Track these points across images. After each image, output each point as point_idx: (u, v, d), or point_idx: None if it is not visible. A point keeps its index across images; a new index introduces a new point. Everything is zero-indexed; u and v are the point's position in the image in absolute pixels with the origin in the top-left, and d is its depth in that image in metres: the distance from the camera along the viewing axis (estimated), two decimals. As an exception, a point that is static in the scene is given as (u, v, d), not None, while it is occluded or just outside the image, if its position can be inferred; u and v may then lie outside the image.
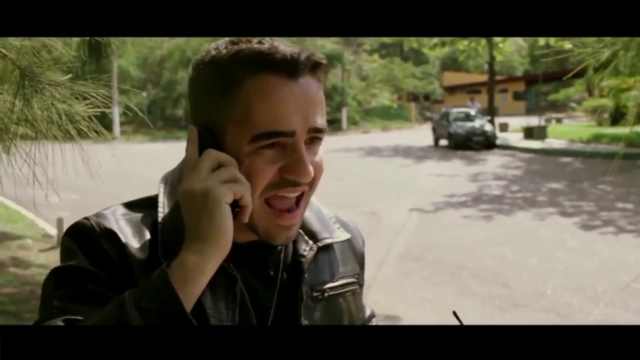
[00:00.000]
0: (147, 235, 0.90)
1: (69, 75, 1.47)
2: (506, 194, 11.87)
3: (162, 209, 0.93)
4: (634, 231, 8.19)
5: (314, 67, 0.88)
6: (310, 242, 1.00)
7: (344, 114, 36.48)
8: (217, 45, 0.89)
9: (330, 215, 1.08)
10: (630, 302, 5.31)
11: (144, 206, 0.95)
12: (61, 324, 0.79)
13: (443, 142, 23.76)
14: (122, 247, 0.88)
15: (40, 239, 8.10)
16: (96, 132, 1.51)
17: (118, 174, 14.52)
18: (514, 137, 24.50)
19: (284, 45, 0.86)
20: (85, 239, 0.88)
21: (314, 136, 0.88)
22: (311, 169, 0.86)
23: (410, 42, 21.28)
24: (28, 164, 1.51)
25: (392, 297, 5.75)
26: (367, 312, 1.21)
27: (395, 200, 11.18)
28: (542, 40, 12.40)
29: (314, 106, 0.87)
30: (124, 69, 32.03)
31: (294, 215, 0.90)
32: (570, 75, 1.37)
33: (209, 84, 0.88)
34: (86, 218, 0.91)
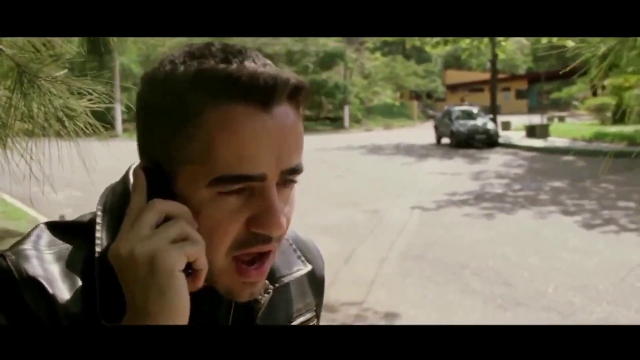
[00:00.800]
0: (79, 282, 0.72)
1: (65, 71, 1.47)
2: (508, 192, 11.86)
3: (100, 247, 0.73)
4: (636, 230, 8.18)
5: (293, 93, 0.70)
6: (267, 282, 0.81)
7: (346, 112, 36.49)
8: (173, 57, 0.72)
9: (290, 240, 0.91)
10: (632, 301, 5.30)
11: (75, 234, 0.76)
12: None
13: (445, 140, 23.76)
14: (49, 299, 0.69)
15: (42, 236, 8.12)
16: (93, 129, 1.50)
17: (120, 171, 14.58)
18: (516, 136, 24.50)
19: (257, 65, 0.69)
20: (5, 291, 0.69)
21: (288, 178, 0.71)
22: (284, 220, 0.70)
23: (413, 40, 21.34)
24: (26, 161, 1.51)
25: (393, 296, 5.75)
26: None
27: (396, 199, 11.17)
28: (544, 39, 12.41)
29: (289, 142, 0.70)
30: (126, 67, 32.07)
31: (262, 271, 0.74)
32: (568, 69, 1.37)
33: (160, 110, 0.70)
34: (1, 256, 0.71)
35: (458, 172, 15.18)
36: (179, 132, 0.68)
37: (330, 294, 5.70)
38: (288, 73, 0.69)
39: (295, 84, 0.69)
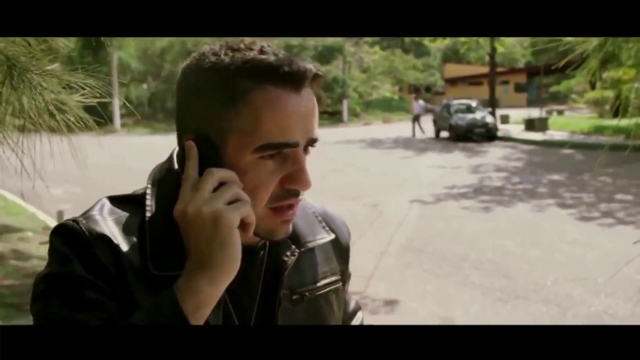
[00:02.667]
0: (135, 239, 0.88)
1: (56, 64, 1.46)
2: (507, 185, 11.87)
3: (150, 213, 0.90)
4: (633, 222, 8.19)
5: (314, 79, 0.89)
6: (293, 246, 0.98)
7: (345, 106, 36.43)
8: (214, 50, 0.88)
9: (316, 213, 1.08)
10: (631, 293, 5.31)
11: (130, 203, 0.92)
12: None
13: (444, 133, 23.74)
14: (115, 253, 0.85)
15: (41, 231, 8.11)
16: (86, 123, 1.50)
17: (119, 166, 14.52)
18: (515, 129, 24.48)
19: (288, 57, 0.86)
20: (78, 245, 0.85)
21: (310, 146, 0.90)
22: (311, 178, 0.88)
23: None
24: (17, 155, 1.50)
25: (394, 289, 5.76)
26: (352, 305, 1.22)
27: (396, 192, 11.18)
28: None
29: (313, 117, 0.89)
30: (124, 61, 31.97)
31: (293, 212, 0.90)
32: (562, 62, 1.37)
33: (210, 91, 0.86)
34: (74, 221, 0.88)
35: (457, 165, 15.18)
36: (230, 108, 0.84)
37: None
38: (310, 63, 0.88)
39: (316, 72, 0.88)
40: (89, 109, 1.53)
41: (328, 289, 1.04)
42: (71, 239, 0.86)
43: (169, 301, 0.78)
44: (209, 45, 0.90)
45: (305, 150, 0.89)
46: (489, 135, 21.87)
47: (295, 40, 33.76)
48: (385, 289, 5.75)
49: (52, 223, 8.33)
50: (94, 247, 0.85)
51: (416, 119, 25.84)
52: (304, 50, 35.02)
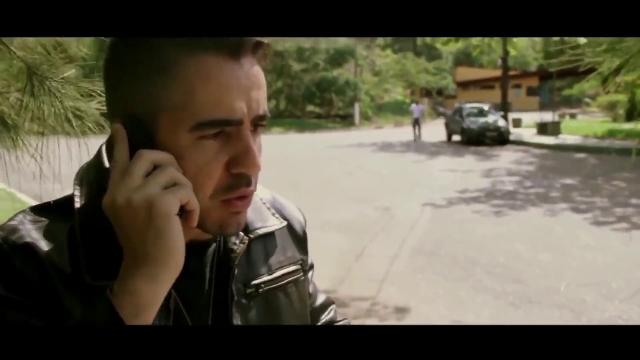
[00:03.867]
0: (65, 246, 0.77)
1: (72, 71, 1.48)
2: (519, 189, 11.81)
3: (81, 216, 0.79)
4: (649, 227, 8.13)
5: (256, 47, 0.77)
6: (242, 234, 0.89)
7: (357, 109, 36.43)
8: None
9: (264, 200, 0.99)
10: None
11: (54, 210, 0.82)
12: None
13: (456, 137, 23.68)
14: (39, 263, 0.74)
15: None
16: (102, 128, 1.52)
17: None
18: (528, 133, 24.37)
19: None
20: None
21: (258, 124, 0.78)
22: (260, 160, 0.77)
23: (424, 38, 21.25)
24: (35, 160, 1.53)
25: (405, 292, 5.75)
26: (320, 299, 1.12)
27: (408, 196, 11.16)
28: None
29: (259, 90, 0.77)
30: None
31: (245, 203, 0.80)
32: (577, 67, 1.37)
33: (136, 65, 0.75)
34: None
35: (469, 169, 15.13)
36: (158, 83, 0.74)
37: (342, 291, 5.71)
38: None
39: (257, 40, 0.77)
40: (94, 114, 1.56)
41: (286, 280, 0.95)
42: None
43: (103, 308, 0.68)
44: None
45: (256, 130, 0.78)
46: (501, 139, 21.80)
47: (307, 43, 33.81)
48: (397, 293, 5.74)
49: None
50: (14, 261, 0.74)
51: (416, 122, 24.95)
52: (315, 53, 35.06)
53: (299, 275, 0.98)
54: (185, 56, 0.73)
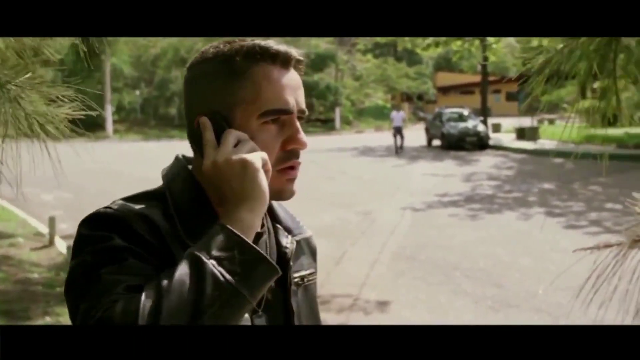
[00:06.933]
0: (162, 219, 0.99)
1: (29, 74, 1.46)
2: (499, 194, 11.91)
3: (173, 200, 1.03)
4: (620, 232, 8.22)
5: (298, 61, 1.06)
6: (289, 236, 1.15)
7: (338, 113, 36.50)
8: (213, 45, 1.05)
9: (293, 215, 1.23)
10: (623, 303, 5.32)
11: (144, 199, 1.02)
12: (124, 293, 0.83)
13: (436, 142, 23.81)
14: (153, 225, 0.96)
15: (32, 237, 8.06)
16: (73, 132, 1.50)
17: (110, 172, 14.46)
18: (507, 138, 24.58)
19: (276, 43, 1.03)
20: (114, 224, 0.94)
21: (300, 116, 1.05)
22: (305, 138, 1.03)
23: (404, 43, 21.31)
24: (1, 162, 1.50)
25: (386, 297, 5.76)
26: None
27: (388, 200, 11.19)
28: (534, 42, 12.42)
29: (301, 91, 1.05)
30: (117, 67, 31.90)
31: (296, 173, 1.05)
32: (524, 75, 1.38)
33: (215, 74, 1.02)
34: (106, 207, 0.98)
35: (449, 173, 15.22)
36: (233, 84, 1.01)
37: (322, 295, 5.70)
38: (294, 48, 1.05)
39: (298, 55, 1.06)
40: (56, 119, 1.52)
41: (313, 278, 1.20)
42: (106, 221, 0.95)
43: (218, 228, 0.88)
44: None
45: (299, 120, 1.04)
46: (480, 143, 21.97)
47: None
48: (377, 297, 5.75)
49: (43, 229, 8.28)
50: (132, 224, 0.94)
51: (397, 132, 21.87)
52: (297, 57, 35.02)
53: (316, 277, 1.23)
54: (253, 63, 1.01)
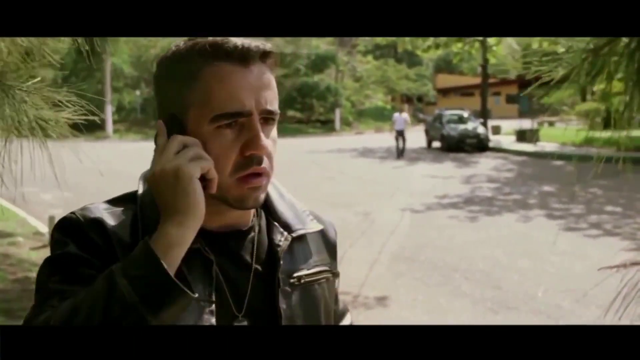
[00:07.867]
0: (129, 224, 0.98)
1: (37, 79, 1.46)
2: (498, 196, 11.91)
3: (142, 204, 1.00)
4: (621, 234, 8.23)
5: (264, 55, 0.97)
6: (285, 233, 1.07)
7: (338, 114, 36.48)
8: (176, 43, 1.01)
9: (304, 209, 1.14)
10: (621, 305, 5.32)
11: (124, 201, 1.02)
12: (57, 304, 0.85)
13: (436, 144, 23.81)
14: (107, 234, 0.95)
15: (32, 236, 8.06)
16: (73, 134, 1.50)
17: (110, 172, 14.46)
18: (507, 140, 24.58)
19: (238, 38, 0.96)
20: (73, 230, 0.95)
21: (267, 117, 0.97)
22: (266, 142, 0.96)
23: (405, 44, 21.30)
24: (1, 163, 1.50)
25: (385, 298, 5.76)
26: (341, 306, 1.25)
27: (388, 201, 11.19)
28: (535, 44, 12.44)
29: (267, 90, 0.97)
30: (118, 67, 31.89)
31: (259, 180, 0.97)
32: (531, 75, 1.38)
33: (171, 75, 0.98)
34: (72, 213, 0.98)
35: (449, 175, 15.22)
36: (186, 86, 0.95)
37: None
38: (260, 42, 0.97)
39: (264, 49, 0.97)
40: (57, 121, 1.53)
41: (320, 277, 1.10)
42: (68, 226, 0.96)
43: (141, 245, 0.86)
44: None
45: (267, 122, 0.97)
46: (480, 146, 21.95)
47: (288, 49, 33.82)
48: (376, 298, 5.75)
49: (43, 228, 8.27)
50: (88, 231, 0.94)
51: (400, 135, 20.35)
52: (297, 58, 35.07)
53: (329, 275, 1.13)
54: (205, 65, 0.94)
